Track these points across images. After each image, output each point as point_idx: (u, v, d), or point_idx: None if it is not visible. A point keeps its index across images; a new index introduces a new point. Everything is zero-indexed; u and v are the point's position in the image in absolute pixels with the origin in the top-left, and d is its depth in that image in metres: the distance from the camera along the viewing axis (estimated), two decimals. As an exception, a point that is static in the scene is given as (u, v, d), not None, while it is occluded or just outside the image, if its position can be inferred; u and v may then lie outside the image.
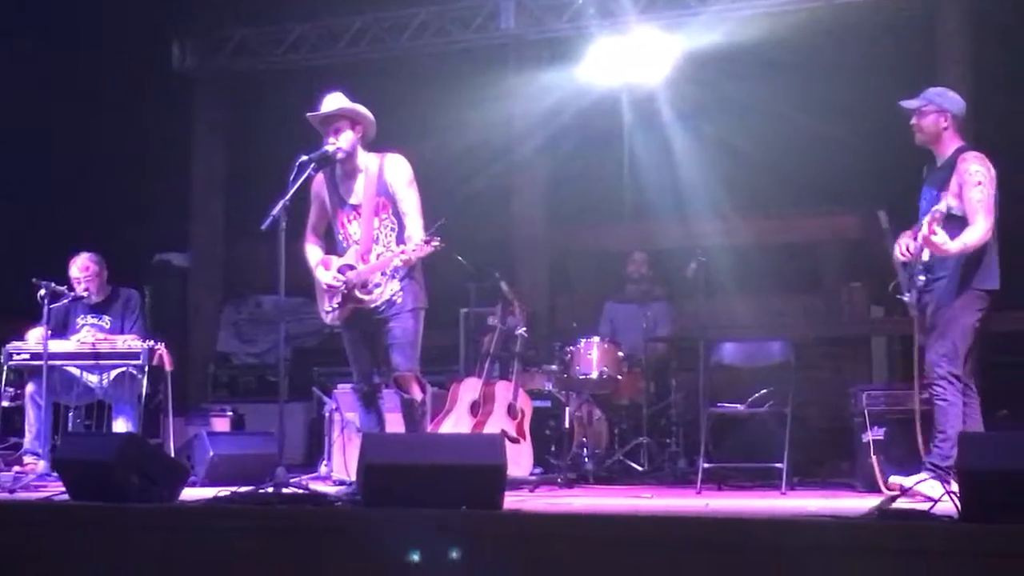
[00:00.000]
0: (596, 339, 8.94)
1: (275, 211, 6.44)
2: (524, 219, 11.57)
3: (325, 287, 6.82)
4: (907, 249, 6.60)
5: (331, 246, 6.94)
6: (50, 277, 8.39)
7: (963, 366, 6.33)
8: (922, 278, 6.46)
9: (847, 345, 10.32)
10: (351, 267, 6.74)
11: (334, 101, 6.81)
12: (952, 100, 6.60)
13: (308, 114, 6.84)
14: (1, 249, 10.92)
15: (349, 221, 6.81)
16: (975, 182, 6.32)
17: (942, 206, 6.23)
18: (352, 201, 6.80)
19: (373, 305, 6.73)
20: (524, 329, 8.83)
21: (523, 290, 9.92)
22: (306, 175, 6.57)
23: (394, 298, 6.73)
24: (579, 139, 11.57)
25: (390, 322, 6.74)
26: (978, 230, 6.27)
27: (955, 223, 6.30)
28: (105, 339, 8.47)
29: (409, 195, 6.73)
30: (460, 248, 9.01)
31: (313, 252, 6.94)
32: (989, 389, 6.66)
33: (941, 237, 6.21)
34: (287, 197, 6.48)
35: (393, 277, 6.71)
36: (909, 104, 6.63)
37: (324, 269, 6.84)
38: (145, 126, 11.83)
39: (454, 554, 4.84)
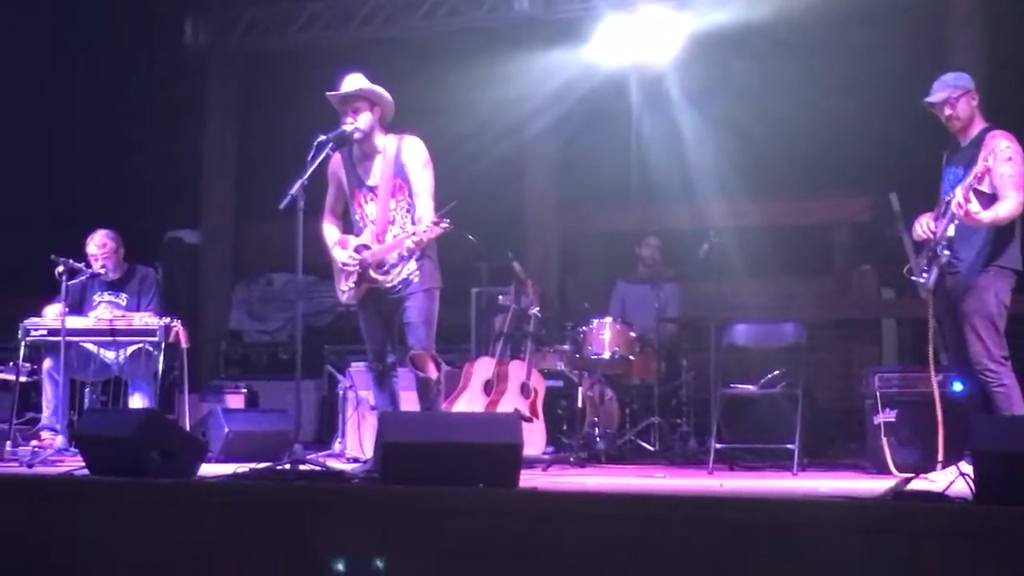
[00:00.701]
0: (608, 319, 8.99)
1: (293, 190, 6.49)
2: (534, 199, 11.61)
3: (341, 266, 6.87)
4: (927, 227, 6.53)
5: (348, 226, 6.99)
6: (66, 254, 8.44)
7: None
8: (946, 253, 6.38)
9: (858, 327, 10.38)
10: (367, 247, 6.79)
11: (353, 81, 6.84)
12: (969, 79, 6.59)
13: (327, 93, 6.87)
14: (18, 226, 10.96)
15: (366, 201, 6.86)
16: (1006, 157, 6.26)
17: (970, 178, 6.20)
18: (369, 182, 6.85)
19: (388, 285, 6.79)
20: (537, 309, 8.88)
21: (533, 270, 9.96)
22: (324, 154, 6.62)
23: (410, 277, 6.78)
24: (589, 119, 11.60)
25: (406, 301, 6.79)
26: (1010, 203, 6.23)
27: (982, 199, 6.24)
28: (123, 316, 8.52)
29: (423, 176, 6.77)
30: (471, 227, 9.05)
31: (331, 232, 7.00)
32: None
33: (975, 205, 6.18)
34: (305, 176, 6.53)
35: (409, 257, 6.76)
36: (936, 98, 6.55)
37: (341, 248, 6.89)
38: (158, 103, 11.88)
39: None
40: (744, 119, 10.89)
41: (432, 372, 6.82)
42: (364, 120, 6.79)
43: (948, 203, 6.40)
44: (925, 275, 6.54)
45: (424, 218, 6.60)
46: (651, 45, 10.89)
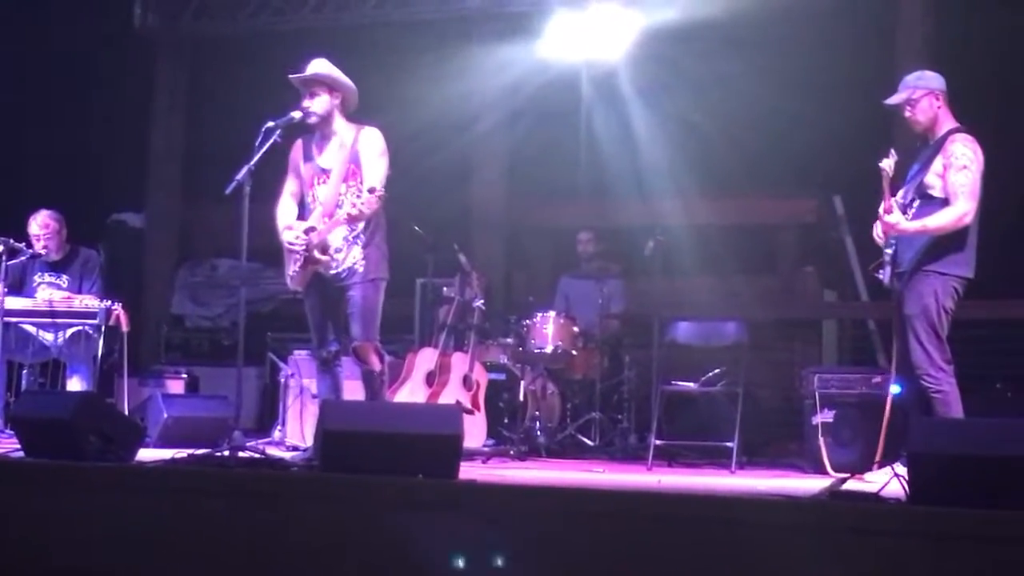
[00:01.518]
0: (552, 314, 9.01)
1: (240, 176, 6.50)
2: (483, 194, 11.60)
3: (287, 247, 6.85)
4: (879, 230, 6.45)
5: (303, 213, 6.97)
6: (6, 234, 8.34)
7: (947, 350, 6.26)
8: (888, 251, 6.37)
9: (799, 328, 10.44)
10: (314, 229, 6.78)
11: (314, 66, 6.89)
12: (934, 78, 6.47)
13: (289, 75, 6.88)
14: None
15: (318, 183, 6.87)
16: (960, 165, 6.21)
17: (901, 195, 6.23)
18: (323, 164, 6.87)
19: (334, 271, 6.77)
20: (481, 301, 8.90)
21: (479, 263, 9.96)
22: (272, 140, 6.61)
23: (355, 266, 6.78)
24: (538, 115, 11.58)
25: (350, 290, 6.80)
26: (949, 214, 6.18)
27: (933, 203, 6.25)
28: (67, 297, 8.45)
29: (376, 165, 6.79)
30: (419, 220, 9.04)
31: (284, 214, 6.97)
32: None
33: (895, 216, 6.21)
34: (252, 162, 6.53)
35: (355, 243, 6.75)
36: (896, 100, 6.48)
37: (289, 230, 6.87)
38: (105, 85, 11.77)
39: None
40: (694, 115, 10.91)
41: (375, 364, 6.84)
42: (320, 104, 6.82)
43: (904, 203, 6.37)
44: (881, 273, 6.49)
45: (370, 198, 6.59)
46: (602, 41, 10.88)
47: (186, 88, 12.36)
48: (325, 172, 6.85)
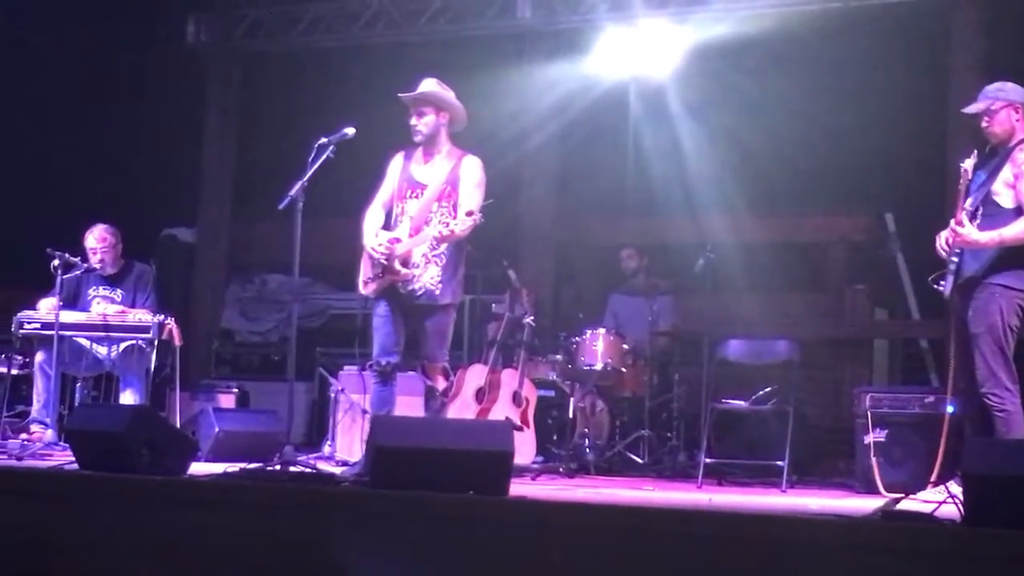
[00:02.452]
0: (602, 330, 8.98)
1: (293, 191, 6.55)
2: (532, 210, 11.61)
3: (369, 252, 6.88)
4: (945, 242, 6.38)
5: (388, 223, 7.03)
6: (62, 248, 8.43)
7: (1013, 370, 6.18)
8: (954, 259, 6.27)
9: (850, 346, 10.38)
10: (398, 240, 6.81)
11: (423, 85, 7.01)
12: (1014, 90, 6.39)
13: (399, 95, 6.97)
14: (14, 219, 10.95)
15: (411, 196, 6.93)
16: None
17: (969, 203, 6.14)
18: (419, 179, 6.95)
19: (410, 287, 6.80)
20: (531, 318, 8.90)
21: (529, 279, 9.97)
22: (324, 156, 6.65)
23: (433, 288, 6.81)
24: (588, 132, 11.60)
25: (426, 313, 6.86)
26: (1022, 225, 6.13)
27: (1002, 213, 6.19)
28: (123, 311, 8.53)
29: (473, 194, 6.87)
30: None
31: (372, 220, 7.00)
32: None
33: (968, 229, 6.13)
34: (305, 178, 6.58)
35: (433, 262, 6.78)
36: (974, 109, 6.41)
37: (374, 236, 6.91)
38: (159, 101, 11.89)
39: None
40: (742, 132, 10.90)
41: (440, 383, 6.95)
42: (427, 123, 6.94)
43: (971, 211, 6.27)
44: (943, 284, 6.41)
45: (464, 223, 6.63)
46: (651, 58, 10.90)
47: (238, 104, 12.45)
48: (420, 186, 6.91)
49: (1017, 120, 6.36)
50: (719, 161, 10.79)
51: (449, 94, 7.04)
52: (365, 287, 6.97)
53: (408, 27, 11.46)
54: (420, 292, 6.82)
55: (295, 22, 11.87)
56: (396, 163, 7.06)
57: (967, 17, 9.90)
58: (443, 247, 6.80)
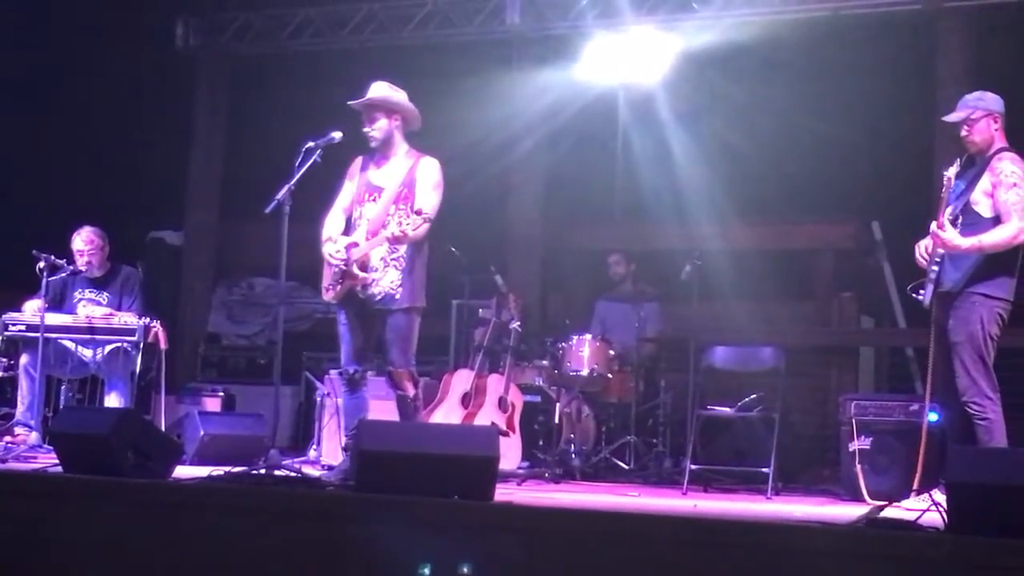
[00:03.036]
0: (588, 336, 9.00)
1: (280, 195, 6.55)
2: (520, 217, 11.61)
3: (327, 259, 6.87)
4: (925, 251, 6.43)
5: (348, 228, 7.01)
6: (47, 250, 8.41)
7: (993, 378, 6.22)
8: (934, 268, 6.30)
9: (836, 354, 10.39)
10: (356, 245, 6.80)
11: (371, 90, 6.94)
12: (994, 100, 6.42)
13: (350, 103, 6.92)
14: (0, 221, 10.91)
15: (368, 200, 6.90)
16: (1010, 183, 6.17)
17: (949, 212, 6.16)
18: (376, 182, 6.92)
19: (369, 291, 6.78)
20: (518, 323, 8.90)
21: (516, 285, 9.97)
22: (312, 161, 6.65)
23: (393, 292, 6.77)
24: (576, 138, 11.61)
25: (387, 316, 6.81)
26: (1006, 231, 6.14)
27: (980, 221, 6.23)
28: (108, 314, 8.51)
29: (430, 195, 6.82)
30: (455, 243, 9.07)
31: (329, 227, 6.98)
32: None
33: (949, 233, 6.17)
34: (292, 181, 6.58)
35: (392, 266, 6.75)
36: (953, 118, 6.44)
37: (331, 243, 6.89)
38: (146, 103, 11.86)
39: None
40: (731, 140, 10.92)
41: (409, 389, 6.87)
42: (379, 128, 6.90)
43: (950, 219, 6.29)
44: (922, 293, 6.45)
45: (419, 224, 6.60)
46: (640, 64, 10.91)
47: (226, 108, 12.44)
48: (377, 190, 6.87)
49: (996, 130, 6.39)
50: (707, 168, 10.80)
51: (400, 96, 6.98)
52: (326, 293, 6.96)
53: (396, 32, 11.46)
54: (379, 296, 6.79)
55: (283, 26, 11.85)
56: (355, 168, 7.03)
57: (954, 27, 9.95)
58: (402, 250, 6.76)
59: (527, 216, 11.60)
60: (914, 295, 6.50)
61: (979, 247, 6.18)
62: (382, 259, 6.76)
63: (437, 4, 11.21)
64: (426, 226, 6.61)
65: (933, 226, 6.23)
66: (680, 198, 10.85)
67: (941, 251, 6.31)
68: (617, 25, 10.78)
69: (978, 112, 6.39)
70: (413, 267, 6.80)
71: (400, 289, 6.78)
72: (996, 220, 6.23)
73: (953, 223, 6.27)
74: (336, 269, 6.83)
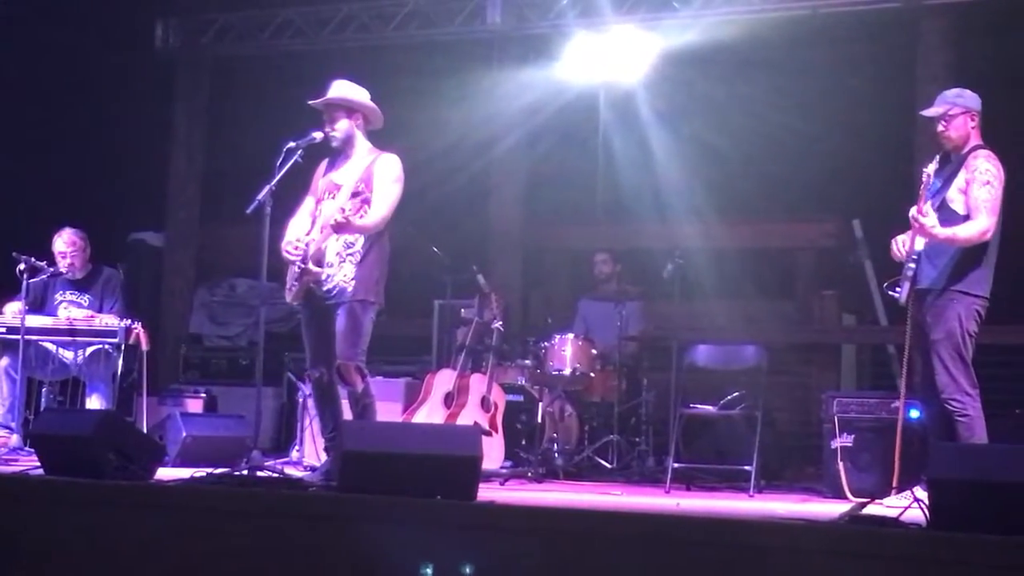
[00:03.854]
0: (571, 336, 9.01)
1: (260, 196, 6.53)
2: (501, 215, 11.60)
3: (284, 255, 6.82)
4: (902, 245, 6.46)
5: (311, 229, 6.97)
6: (28, 252, 8.38)
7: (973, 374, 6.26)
8: (911, 265, 6.34)
9: (817, 352, 10.42)
10: (312, 240, 6.77)
11: (332, 89, 6.87)
12: (972, 98, 6.46)
13: (309, 101, 6.88)
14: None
15: (327, 197, 6.85)
16: (983, 180, 6.22)
17: (927, 209, 6.18)
18: (335, 179, 6.86)
19: (324, 287, 6.74)
20: (500, 323, 8.90)
21: (498, 284, 9.97)
22: (292, 161, 6.64)
23: (345, 285, 6.71)
24: (557, 137, 11.63)
25: (337, 309, 6.73)
26: (975, 227, 6.19)
27: (954, 218, 6.26)
28: (90, 316, 8.49)
29: (388, 188, 6.74)
30: (437, 242, 9.07)
31: (291, 228, 6.92)
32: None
33: (931, 220, 6.15)
34: (273, 182, 6.56)
35: (347, 260, 6.70)
36: (931, 113, 6.47)
37: (287, 242, 6.84)
38: (127, 105, 11.81)
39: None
40: (712, 139, 10.94)
41: (357, 384, 6.73)
42: (340, 127, 6.82)
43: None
44: (898, 290, 6.47)
45: (370, 215, 6.58)
46: (621, 64, 10.92)
47: (206, 108, 12.41)
48: (336, 187, 6.82)
49: (972, 127, 6.43)
50: (688, 167, 10.82)
51: (361, 94, 6.90)
52: (288, 294, 6.90)
53: (377, 32, 11.45)
54: (334, 291, 6.73)
55: (264, 27, 11.84)
56: (320, 171, 6.99)
57: (934, 26, 9.98)
58: (358, 245, 6.69)
59: (508, 215, 11.60)
60: (890, 292, 6.53)
61: (953, 238, 6.23)
62: (337, 254, 6.70)
63: (418, 4, 11.21)
64: (377, 217, 6.59)
65: (913, 211, 6.26)
66: (661, 197, 10.87)
67: (919, 248, 6.35)
68: (598, 24, 10.79)
69: (956, 108, 6.43)
70: (366, 260, 6.72)
71: (353, 282, 6.70)
72: (967, 217, 6.29)
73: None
74: (295, 268, 6.79)
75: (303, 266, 6.71)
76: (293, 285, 6.83)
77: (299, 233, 6.87)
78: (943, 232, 6.20)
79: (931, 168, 6.35)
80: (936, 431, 6.36)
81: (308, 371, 7.01)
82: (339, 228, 6.56)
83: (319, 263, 6.69)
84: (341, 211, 6.49)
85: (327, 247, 6.69)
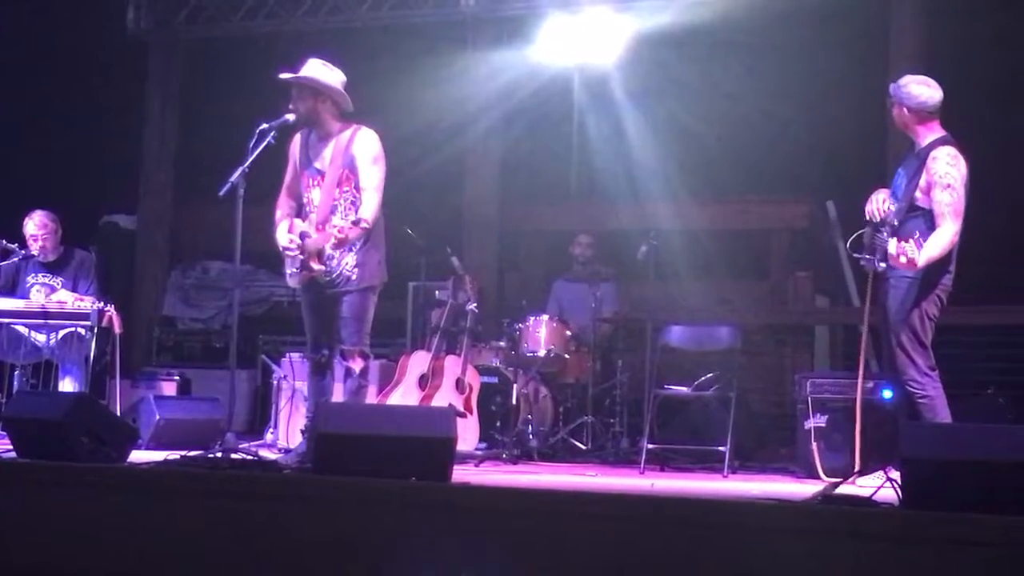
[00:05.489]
0: (545, 317, 9.03)
1: (234, 178, 6.50)
2: (476, 197, 11.60)
3: (283, 249, 6.84)
4: (881, 203, 6.45)
5: (301, 209, 6.97)
6: (-1, 234, 8.36)
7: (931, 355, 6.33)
8: (883, 236, 6.27)
9: (791, 333, 10.45)
10: (308, 235, 6.78)
11: (304, 68, 6.82)
12: (908, 95, 6.44)
13: (280, 75, 6.83)
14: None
15: (313, 185, 6.84)
16: (944, 184, 6.24)
17: (891, 248, 6.19)
18: (318, 165, 6.84)
19: (327, 278, 6.77)
20: (474, 305, 8.90)
21: (472, 266, 9.97)
22: (266, 142, 6.60)
23: (349, 273, 6.76)
24: (532, 119, 11.63)
25: (342, 297, 6.80)
26: (942, 237, 6.21)
27: (921, 215, 6.31)
28: (75, 299, 8.45)
29: (372, 172, 6.75)
30: (411, 224, 9.05)
31: (281, 212, 6.96)
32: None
33: (912, 252, 6.16)
34: (246, 164, 6.53)
35: (349, 250, 6.74)
36: (891, 88, 6.54)
37: (285, 231, 6.86)
38: (98, 87, 11.76)
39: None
40: (686, 120, 10.96)
41: (358, 364, 6.81)
42: (305, 107, 6.78)
43: (896, 195, 6.40)
44: (873, 259, 6.43)
45: (363, 213, 6.59)
46: (595, 46, 10.92)
47: (179, 90, 12.36)
48: (320, 174, 6.82)
49: (915, 123, 6.45)
50: (663, 148, 10.83)
51: (332, 76, 6.82)
52: (290, 280, 6.94)
53: (351, 13, 11.42)
54: (338, 280, 6.79)
55: (236, 8, 11.79)
56: (295, 146, 6.97)
57: (906, 7, 10.01)
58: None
59: (483, 197, 11.59)
60: (863, 262, 6.51)
61: (931, 259, 6.19)
62: (333, 247, 6.72)
63: (391, -16, 11.18)
64: (372, 210, 6.62)
65: (892, 248, 6.19)
66: (635, 178, 10.88)
67: (895, 222, 6.35)
68: (572, 6, 10.79)
69: (892, 101, 6.50)
70: (368, 247, 6.78)
71: (356, 270, 6.77)
72: (931, 214, 6.31)
73: (896, 214, 6.34)
74: (295, 258, 6.81)
75: (304, 261, 6.72)
76: (295, 272, 6.83)
77: (287, 219, 6.90)
78: (923, 258, 6.16)
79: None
80: (905, 411, 6.41)
81: (308, 353, 7.02)
82: (340, 245, 6.60)
83: (320, 259, 6.71)
84: (340, 231, 6.49)
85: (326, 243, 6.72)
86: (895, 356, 6.37)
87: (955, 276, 6.42)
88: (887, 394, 7.12)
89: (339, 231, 6.49)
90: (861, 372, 6.83)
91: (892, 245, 6.11)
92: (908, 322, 6.32)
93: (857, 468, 6.40)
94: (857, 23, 10.39)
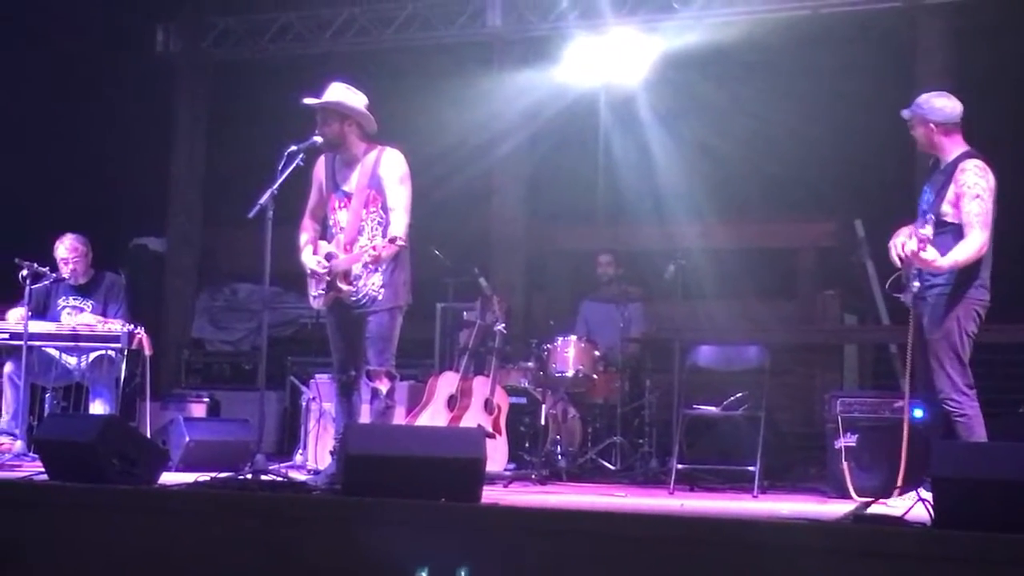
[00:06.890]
0: (573, 338, 9.02)
1: (263, 200, 6.51)
2: (503, 218, 11.63)
3: (310, 272, 6.87)
4: (902, 249, 6.38)
5: (326, 231, 6.99)
6: (30, 258, 8.39)
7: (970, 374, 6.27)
8: (916, 284, 6.33)
9: (820, 352, 10.41)
10: (335, 256, 6.80)
11: (327, 93, 6.83)
12: (932, 109, 6.41)
13: (304, 101, 6.86)
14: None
15: (340, 208, 6.86)
16: (973, 195, 6.20)
17: (927, 231, 6.17)
18: (345, 188, 6.86)
19: (353, 298, 6.79)
20: (502, 325, 8.90)
21: (500, 287, 9.98)
22: (294, 164, 6.63)
23: (375, 294, 6.78)
24: (558, 139, 11.66)
25: (368, 317, 6.81)
26: (971, 245, 6.18)
27: (949, 231, 6.26)
28: (100, 320, 8.49)
29: (399, 192, 6.77)
30: (439, 244, 9.06)
31: (306, 234, 6.99)
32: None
33: (931, 254, 6.15)
34: (275, 186, 6.54)
35: (375, 270, 6.75)
36: (905, 114, 6.51)
37: (311, 254, 6.89)
38: (127, 110, 11.83)
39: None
40: (712, 140, 10.97)
41: (384, 385, 6.81)
42: (331, 131, 6.79)
43: (923, 212, 6.32)
44: (905, 294, 6.42)
45: (396, 231, 6.61)
46: (621, 66, 10.94)
47: (207, 113, 12.44)
48: (347, 196, 6.84)
49: (938, 135, 6.40)
50: (689, 168, 10.84)
51: (357, 99, 6.85)
52: (315, 302, 6.96)
53: (377, 35, 11.49)
54: (364, 300, 6.80)
55: (264, 31, 11.88)
56: (320, 169, 6.99)
57: (933, 26, 10.00)
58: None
59: (510, 217, 11.62)
60: (895, 295, 6.52)
61: (955, 265, 6.19)
62: (364, 266, 6.75)
63: (417, 7, 11.25)
64: (401, 230, 6.61)
65: (912, 245, 6.20)
66: (662, 198, 10.90)
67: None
68: (598, 26, 10.82)
69: (916, 118, 6.46)
70: (394, 268, 6.79)
71: (382, 290, 6.78)
72: (960, 228, 6.25)
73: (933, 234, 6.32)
74: (321, 279, 6.83)
75: (331, 281, 6.75)
76: (320, 294, 6.86)
77: (312, 240, 6.94)
78: (946, 263, 6.17)
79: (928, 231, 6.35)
80: (938, 431, 6.36)
81: (335, 374, 7.04)
82: (376, 262, 6.61)
83: (347, 279, 6.74)
84: (375, 248, 6.49)
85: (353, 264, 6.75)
86: (933, 374, 6.30)
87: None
88: (918, 413, 7.07)
89: (373, 248, 6.50)
90: (907, 388, 6.76)
91: (913, 243, 6.11)
92: (947, 339, 6.25)
93: (899, 483, 6.36)
94: (884, 42, 10.39)
